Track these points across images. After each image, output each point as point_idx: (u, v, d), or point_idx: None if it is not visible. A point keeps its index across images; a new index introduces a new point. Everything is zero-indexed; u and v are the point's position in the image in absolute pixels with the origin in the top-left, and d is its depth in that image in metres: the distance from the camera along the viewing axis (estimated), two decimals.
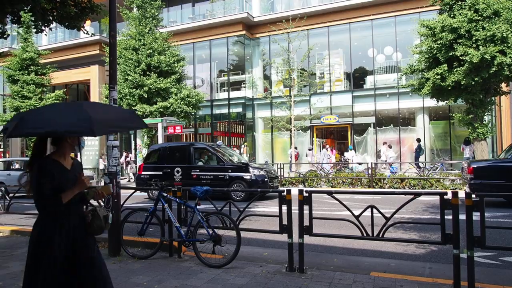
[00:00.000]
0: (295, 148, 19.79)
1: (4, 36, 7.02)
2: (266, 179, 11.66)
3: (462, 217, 3.86)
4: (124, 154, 21.21)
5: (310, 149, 19.62)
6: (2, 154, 27.51)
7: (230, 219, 5.15)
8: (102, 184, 12.05)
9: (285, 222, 4.76)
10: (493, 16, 11.72)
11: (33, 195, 2.49)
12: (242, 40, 23.30)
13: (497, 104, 16.03)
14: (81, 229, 2.66)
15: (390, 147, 18.32)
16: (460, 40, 11.96)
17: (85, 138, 18.98)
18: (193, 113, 20.82)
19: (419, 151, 17.69)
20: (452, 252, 3.92)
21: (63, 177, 2.56)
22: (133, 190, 6.82)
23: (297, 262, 4.56)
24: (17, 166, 16.04)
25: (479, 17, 11.73)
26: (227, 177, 11.66)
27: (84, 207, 2.79)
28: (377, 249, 5.80)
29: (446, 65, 12.43)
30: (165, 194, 5.46)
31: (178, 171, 12.06)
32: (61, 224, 2.54)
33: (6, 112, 23.62)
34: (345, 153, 19.88)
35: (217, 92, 24.34)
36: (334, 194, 4.74)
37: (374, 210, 4.44)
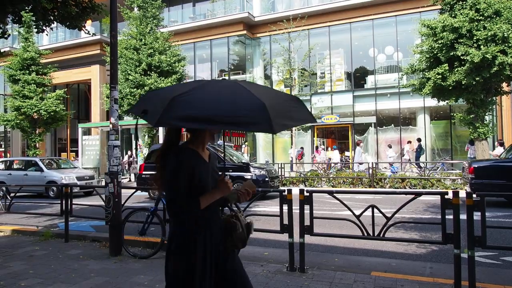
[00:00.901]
0: (301, 148, 19.86)
1: (5, 36, 7.03)
2: (267, 179, 11.66)
3: (463, 217, 3.86)
4: (128, 153, 21.22)
5: (323, 149, 19.57)
6: (3, 154, 27.58)
7: None
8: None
9: (286, 221, 4.76)
10: (494, 16, 11.72)
11: (166, 193, 1.98)
12: (243, 39, 23.30)
13: (498, 104, 16.01)
14: (222, 241, 2.16)
15: (390, 146, 18.30)
16: (461, 40, 11.96)
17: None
18: None
19: (419, 151, 17.68)
20: (453, 252, 3.92)
21: (204, 173, 2.06)
22: (134, 190, 6.83)
23: (298, 262, 4.56)
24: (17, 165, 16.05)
25: (480, 17, 11.72)
26: (228, 177, 11.63)
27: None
28: (378, 249, 5.80)
29: (447, 64, 12.42)
30: None
31: None
32: (201, 234, 2.03)
33: (7, 111, 23.63)
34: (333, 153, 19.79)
35: None
36: (335, 194, 4.74)
37: (375, 210, 4.44)
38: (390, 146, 18.27)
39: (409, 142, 18.29)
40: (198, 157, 2.08)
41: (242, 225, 2.18)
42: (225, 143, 15.35)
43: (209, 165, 2.14)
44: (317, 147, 20.54)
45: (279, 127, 1.77)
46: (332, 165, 16.92)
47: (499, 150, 12.40)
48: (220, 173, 2.23)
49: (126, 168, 20.67)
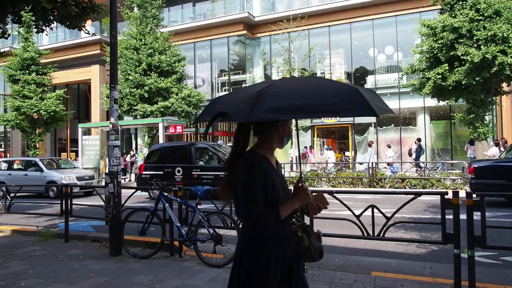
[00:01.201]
0: (305, 147, 19.89)
1: (5, 36, 7.02)
2: None
3: (463, 216, 3.86)
4: (131, 153, 21.23)
5: (326, 149, 19.42)
6: (3, 154, 27.58)
7: (231, 218, 5.15)
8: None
9: None
10: (494, 16, 11.72)
11: (240, 202, 1.84)
12: (243, 39, 23.30)
13: (498, 103, 16.02)
14: (296, 253, 1.99)
15: (389, 146, 18.27)
16: (461, 40, 11.96)
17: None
18: (194, 113, 20.85)
19: (419, 151, 17.67)
20: (453, 252, 3.92)
21: (275, 180, 1.89)
22: (134, 190, 6.83)
23: None
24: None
25: (480, 17, 11.73)
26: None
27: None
28: (378, 249, 5.80)
29: (447, 64, 12.42)
30: (166, 194, 5.47)
31: (179, 171, 12.07)
32: (277, 248, 1.87)
33: (7, 111, 23.63)
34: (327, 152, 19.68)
35: (218, 91, 24.33)
36: (335, 194, 4.74)
37: (375, 210, 4.44)
38: (389, 146, 18.25)
39: (416, 142, 18.21)
40: (269, 163, 1.93)
41: (318, 236, 2.05)
42: (225, 144, 15.35)
43: (278, 172, 2.00)
44: (311, 147, 20.56)
45: (379, 111, 1.66)
46: (331, 165, 16.85)
47: (494, 151, 12.39)
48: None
49: (129, 167, 20.68)
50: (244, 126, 1.94)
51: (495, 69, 11.44)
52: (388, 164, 16.50)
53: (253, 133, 2.00)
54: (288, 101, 1.68)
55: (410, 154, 18.01)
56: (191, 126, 24.09)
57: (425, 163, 15.83)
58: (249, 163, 1.85)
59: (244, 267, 1.86)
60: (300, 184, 1.93)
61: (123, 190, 5.81)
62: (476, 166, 9.44)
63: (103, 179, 14.72)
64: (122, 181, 16.55)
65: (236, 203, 1.89)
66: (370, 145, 17.31)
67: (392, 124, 20.29)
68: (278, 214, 1.82)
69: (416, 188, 13.27)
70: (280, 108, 1.66)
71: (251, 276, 1.84)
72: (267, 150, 1.96)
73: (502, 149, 12.41)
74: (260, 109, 1.64)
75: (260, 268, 1.83)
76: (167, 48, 19.51)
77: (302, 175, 15.68)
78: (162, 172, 12.28)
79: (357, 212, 4.51)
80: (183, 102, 19.02)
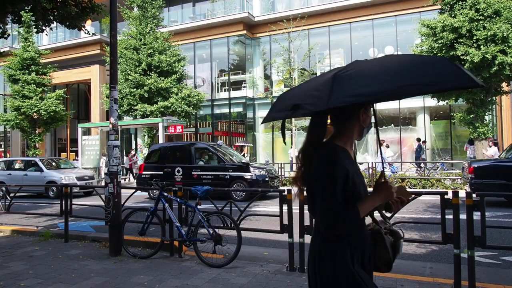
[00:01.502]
0: None
1: (5, 36, 7.03)
2: (266, 179, 11.66)
3: (463, 216, 3.86)
4: (132, 152, 21.23)
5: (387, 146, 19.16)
6: (2, 154, 27.58)
7: (230, 218, 5.15)
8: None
9: (285, 221, 4.76)
10: (494, 16, 11.73)
11: (317, 199, 1.63)
12: (243, 39, 23.30)
13: (498, 103, 16.02)
14: (371, 259, 1.79)
15: (388, 146, 18.24)
16: (461, 40, 11.96)
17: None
18: (193, 113, 20.85)
19: (419, 150, 17.68)
20: (453, 252, 3.92)
21: (355, 175, 1.68)
22: (134, 190, 6.83)
23: (298, 262, 4.56)
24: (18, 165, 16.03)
25: (480, 17, 11.73)
26: (228, 177, 11.67)
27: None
28: None
29: None
30: (165, 194, 5.47)
31: (179, 171, 12.07)
32: (353, 244, 1.67)
33: (7, 111, 23.63)
34: None
35: (218, 91, 24.35)
36: None
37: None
38: (388, 146, 18.21)
39: (424, 141, 18.14)
40: (349, 156, 1.72)
41: (387, 244, 1.79)
42: (225, 144, 15.38)
43: (357, 165, 1.79)
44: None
45: (478, 80, 1.47)
46: None
47: (493, 150, 12.40)
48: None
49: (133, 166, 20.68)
50: (321, 113, 1.67)
51: (495, 69, 11.45)
52: (389, 164, 16.46)
53: (330, 122, 1.77)
54: (376, 81, 1.49)
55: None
56: (191, 126, 24.09)
57: (425, 163, 15.83)
58: (330, 156, 1.63)
59: (324, 265, 1.67)
60: (383, 180, 1.72)
61: (123, 190, 5.81)
62: (476, 166, 9.44)
63: (103, 179, 14.72)
64: (122, 181, 16.56)
65: (310, 197, 1.70)
66: (381, 144, 17.04)
67: (392, 124, 20.29)
68: (357, 212, 1.60)
69: (416, 188, 13.26)
70: (366, 93, 1.47)
71: (334, 271, 1.65)
72: (347, 141, 1.76)
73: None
74: (342, 93, 1.45)
75: (339, 263, 1.65)
76: (167, 48, 19.50)
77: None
78: (162, 172, 12.28)
79: None
80: (183, 102, 19.01)
